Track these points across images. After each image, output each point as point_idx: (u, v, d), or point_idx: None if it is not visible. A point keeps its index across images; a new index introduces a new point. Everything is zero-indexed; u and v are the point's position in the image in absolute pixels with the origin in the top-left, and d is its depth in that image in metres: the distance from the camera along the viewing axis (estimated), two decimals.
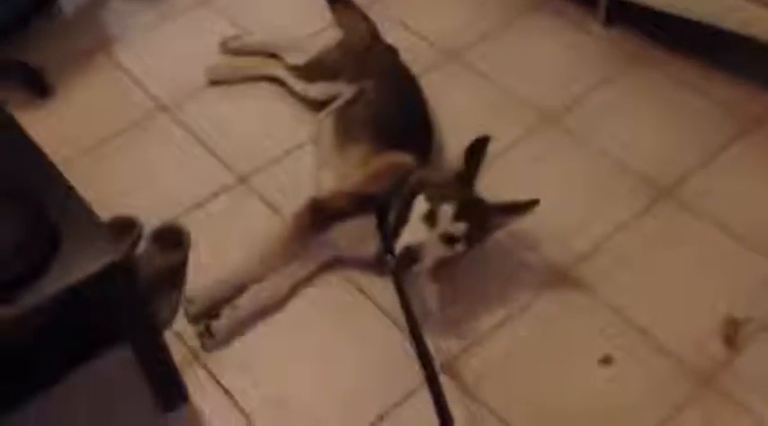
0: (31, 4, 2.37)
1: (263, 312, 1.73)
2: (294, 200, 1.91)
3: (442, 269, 1.72)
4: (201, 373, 1.66)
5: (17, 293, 1.19)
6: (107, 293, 1.29)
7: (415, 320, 1.56)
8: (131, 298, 1.37)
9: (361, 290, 1.79)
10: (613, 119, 2.18)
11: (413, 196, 1.70)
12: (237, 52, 2.32)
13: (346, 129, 1.95)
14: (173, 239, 1.86)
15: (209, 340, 1.68)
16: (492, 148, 2.09)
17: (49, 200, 1.32)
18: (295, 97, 2.18)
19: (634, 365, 1.67)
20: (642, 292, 1.80)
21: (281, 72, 2.20)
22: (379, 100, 1.97)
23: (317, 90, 2.11)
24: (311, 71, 2.13)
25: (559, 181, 2.03)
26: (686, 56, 2.32)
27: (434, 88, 2.15)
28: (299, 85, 2.15)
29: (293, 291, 1.76)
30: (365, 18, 2.27)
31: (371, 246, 1.74)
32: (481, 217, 1.70)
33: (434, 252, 1.65)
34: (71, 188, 1.36)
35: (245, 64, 2.28)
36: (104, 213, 1.39)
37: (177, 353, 1.62)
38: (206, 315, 1.70)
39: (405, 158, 1.83)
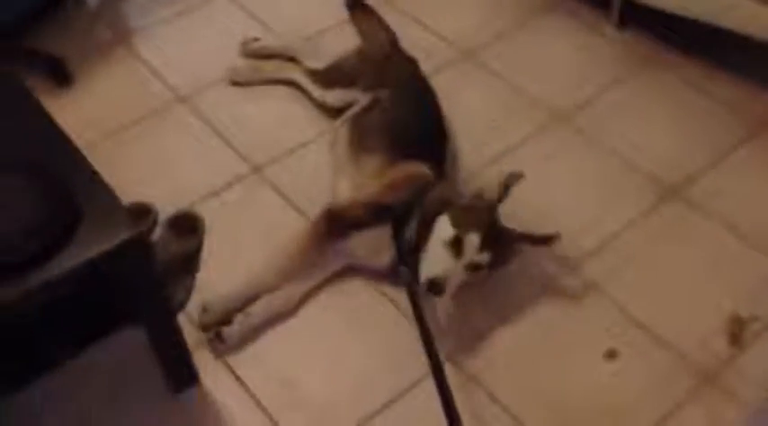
0: None
1: (276, 319, 1.74)
2: (306, 191, 1.99)
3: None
4: (212, 357, 1.69)
5: (37, 267, 1.23)
6: (123, 270, 1.33)
7: (428, 331, 1.57)
8: (147, 278, 1.40)
9: (370, 282, 1.82)
10: (624, 119, 2.20)
11: (435, 214, 1.70)
12: (258, 55, 2.33)
13: (362, 138, 1.95)
14: (188, 226, 1.90)
15: (220, 345, 1.68)
16: (503, 145, 2.15)
17: (71, 181, 1.36)
18: (312, 102, 2.20)
19: (638, 360, 1.69)
20: (648, 289, 1.82)
21: (299, 76, 2.23)
22: (396, 109, 1.98)
23: (333, 96, 2.13)
24: (329, 77, 2.15)
25: (569, 179, 2.06)
26: (698, 59, 2.34)
27: (448, 86, 2.18)
28: (316, 91, 2.17)
29: (306, 299, 1.77)
30: (385, 26, 2.28)
31: (386, 256, 1.75)
32: (505, 247, 1.71)
33: (457, 280, 1.66)
34: (94, 171, 1.40)
35: (265, 67, 2.30)
36: (121, 200, 1.42)
37: (189, 337, 1.64)
38: (218, 323, 1.70)
39: (421, 169, 1.83)
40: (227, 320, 1.69)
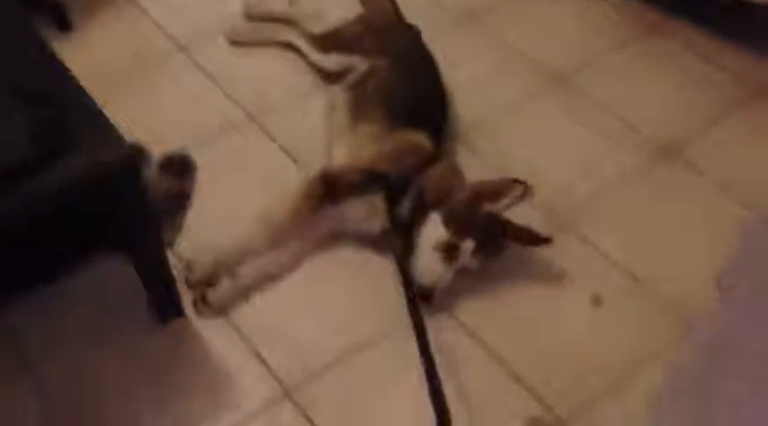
0: None
1: (264, 283, 1.71)
2: (301, 140, 2.00)
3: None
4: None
5: (38, 174, 1.25)
6: (115, 189, 1.34)
7: (416, 305, 1.55)
8: (137, 203, 1.42)
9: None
10: (623, 81, 2.21)
11: (430, 204, 1.68)
12: (259, 17, 2.34)
13: (361, 105, 1.94)
14: (180, 167, 1.91)
15: (205, 308, 1.65)
16: (501, 103, 2.15)
17: (68, 105, 1.38)
18: (310, 66, 2.18)
19: (622, 307, 1.71)
20: (637, 242, 1.82)
21: (297, 39, 2.22)
22: (396, 77, 1.97)
23: (330, 60, 2.12)
24: (327, 41, 2.14)
25: (563, 136, 2.07)
26: (702, 27, 2.34)
27: (449, 48, 2.17)
28: (313, 54, 2.17)
29: (295, 263, 1.75)
30: None
31: (377, 224, 1.73)
32: (498, 247, 1.70)
33: (448, 280, 1.66)
34: (91, 98, 1.41)
35: (265, 28, 2.30)
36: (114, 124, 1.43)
37: (176, 271, 1.65)
38: (204, 282, 1.67)
39: (420, 138, 1.83)
40: (213, 281, 1.66)
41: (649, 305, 1.71)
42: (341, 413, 1.54)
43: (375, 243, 1.76)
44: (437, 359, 1.47)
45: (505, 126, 2.08)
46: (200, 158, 1.94)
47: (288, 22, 2.29)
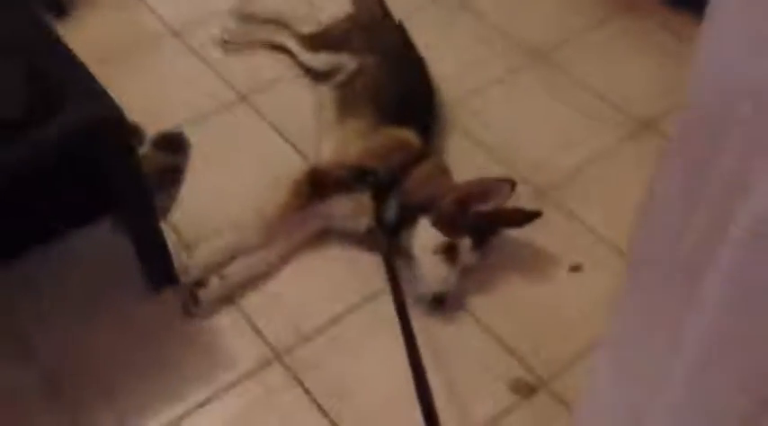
0: None
1: (252, 281, 1.73)
2: (291, 120, 2.06)
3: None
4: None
5: (19, 135, 1.31)
6: (102, 144, 1.40)
7: (404, 305, 1.53)
8: (126, 161, 1.47)
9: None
10: (601, 59, 2.27)
11: (418, 208, 1.69)
12: (251, 18, 2.33)
13: (349, 102, 1.95)
14: (173, 144, 1.97)
15: (195, 307, 1.66)
16: (485, 80, 2.21)
17: (61, 72, 1.44)
18: (300, 67, 2.20)
19: (601, 274, 1.76)
20: (616, 211, 1.87)
21: (288, 40, 2.23)
22: (383, 74, 1.98)
23: (319, 60, 2.13)
24: (316, 41, 2.16)
25: (542, 111, 2.13)
26: (681, 8, 2.39)
27: (430, 26, 2.24)
28: (303, 54, 2.18)
29: (283, 262, 1.76)
30: None
31: (364, 221, 1.74)
32: (492, 234, 1.73)
33: (455, 281, 1.67)
34: (84, 66, 1.47)
35: (256, 30, 2.30)
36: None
37: (169, 240, 1.71)
38: (195, 283, 1.67)
39: (407, 134, 1.84)
40: (202, 281, 1.67)
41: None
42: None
43: (362, 241, 1.78)
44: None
45: (488, 101, 2.15)
46: (193, 136, 2.00)
47: (278, 23, 2.29)
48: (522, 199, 1.78)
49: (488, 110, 2.12)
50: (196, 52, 2.27)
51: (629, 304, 0.94)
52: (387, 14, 2.23)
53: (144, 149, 1.94)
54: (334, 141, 1.90)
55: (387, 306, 1.59)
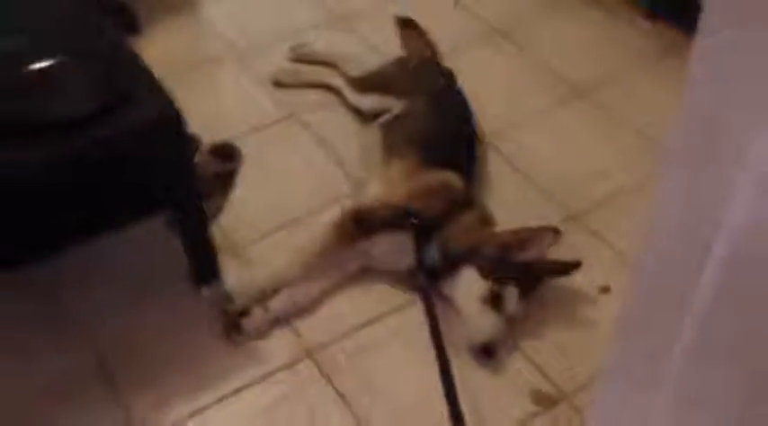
0: None
1: (293, 314, 1.77)
2: (338, 138, 2.18)
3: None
4: (233, 259, 1.86)
5: (89, 129, 1.44)
6: (162, 145, 1.52)
7: (441, 342, 1.57)
8: (184, 164, 1.59)
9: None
10: (642, 96, 2.34)
11: (460, 258, 1.71)
12: (304, 59, 2.41)
13: (394, 143, 1.98)
14: (226, 153, 2.09)
15: (237, 336, 1.71)
16: (524, 110, 2.30)
17: (130, 76, 1.58)
18: (348, 107, 2.26)
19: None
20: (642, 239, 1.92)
21: (338, 81, 2.30)
22: (429, 117, 2.02)
23: (367, 101, 2.18)
24: (365, 83, 2.21)
25: (583, 143, 2.21)
26: None
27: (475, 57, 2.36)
28: (351, 95, 2.23)
29: (324, 296, 1.81)
30: (429, 43, 2.35)
31: (405, 261, 1.76)
32: (538, 283, 1.75)
33: (503, 329, 1.68)
34: (151, 72, 1.61)
35: (308, 71, 2.38)
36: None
37: (217, 243, 1.82)
38: (238, 312, 1.72)
39: (451, 177, 1.87)
40: (246, 311, 1.72)
41: None
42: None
43: (402, 280, 1.81)
44: None
45: (527, 132, 2.23)
46: (245, 147, 2.13)
47: (330, 64, 2.36)
48: (555, 221, 1.84)
49: (527, 139, 2.20)
50: (254, 72, 2.41)
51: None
52: (436, 56, 2.30)
53: (199, 157, 2.07)
54: (379, 181, 1.92)
55: (420, 314, 1.66)
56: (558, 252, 1.81)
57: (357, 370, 1.67)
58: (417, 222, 1.74)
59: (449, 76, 2.21)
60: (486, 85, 2.29)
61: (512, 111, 2.28)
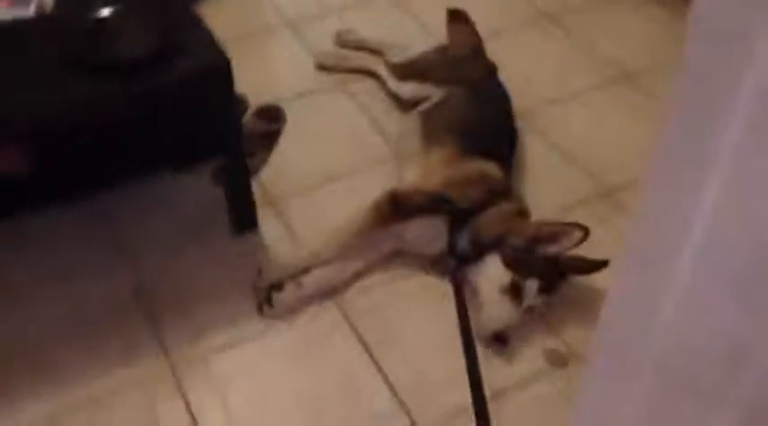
0: None
1: (325, 292, 1.80)
2: (380, 106, 2.26)
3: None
4: (271, 211, 1.97)
5: (143, 74, 1.56)
6: (210, 93, 1.63)
7: (469, 330, 1.60)
8: (231, 111, 1.69)
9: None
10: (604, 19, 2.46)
11: (489, 245, 1.72)
12: (349, 45, 2.46)
13: (434, 130, 1.99)
14: (272, 114, 2.20)
15: (269, 309, 1.74)
16: (566, 90, 2.35)
17: (185, 30, 1.69)
18: (387, 94, 2.28)
19: None
20: None
21: (379, 68, 2.32)
22: (471, 107, 2.02)
23: (407, 89, 2.19)
24: (406, 70, 2.22)
25: (622, 124, 2.26)
26: None
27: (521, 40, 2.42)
28: (391, 82, 2.24)
29: (355, 279, 1.83)
30: (475, 33, 2.30)
31: (436, 246, 1.78)
32: (561, 279, 1.74)
33: (517, 320, 1.69)
34: (206, 27, 1.72)
35: (351, 56, 2.42)
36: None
37: (257, 194, 1.93)
38: (271, 287, 1.75)
39: (491, 167, 1.88)
40: (279, 285, 1.75)
41: None
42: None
43: (433, 264, 1.84)
44: None
45: (567, 111, 2.28)
46: (290, 111, 2.24)
47: (375, 51, 2.39)
48: (590, 198, 1.89)
49: (567, 118, 2.26)
50: (305, 41, 2.52)
51: None
52: (481, 48, 2.27)
53: (247, 116, 2.18)
54: (418, 168, 1.94)
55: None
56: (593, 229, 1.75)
57: (380, 320, 1.76)
58: (451, 209, 1.77)
59: (491, 68, 2.21)
60: (533, 67, 2.37)
61: (557, 92, 2.34)
